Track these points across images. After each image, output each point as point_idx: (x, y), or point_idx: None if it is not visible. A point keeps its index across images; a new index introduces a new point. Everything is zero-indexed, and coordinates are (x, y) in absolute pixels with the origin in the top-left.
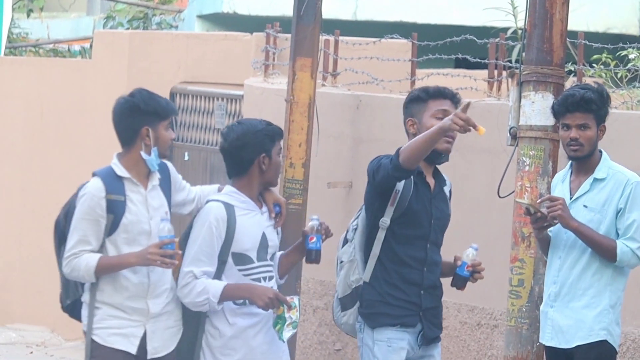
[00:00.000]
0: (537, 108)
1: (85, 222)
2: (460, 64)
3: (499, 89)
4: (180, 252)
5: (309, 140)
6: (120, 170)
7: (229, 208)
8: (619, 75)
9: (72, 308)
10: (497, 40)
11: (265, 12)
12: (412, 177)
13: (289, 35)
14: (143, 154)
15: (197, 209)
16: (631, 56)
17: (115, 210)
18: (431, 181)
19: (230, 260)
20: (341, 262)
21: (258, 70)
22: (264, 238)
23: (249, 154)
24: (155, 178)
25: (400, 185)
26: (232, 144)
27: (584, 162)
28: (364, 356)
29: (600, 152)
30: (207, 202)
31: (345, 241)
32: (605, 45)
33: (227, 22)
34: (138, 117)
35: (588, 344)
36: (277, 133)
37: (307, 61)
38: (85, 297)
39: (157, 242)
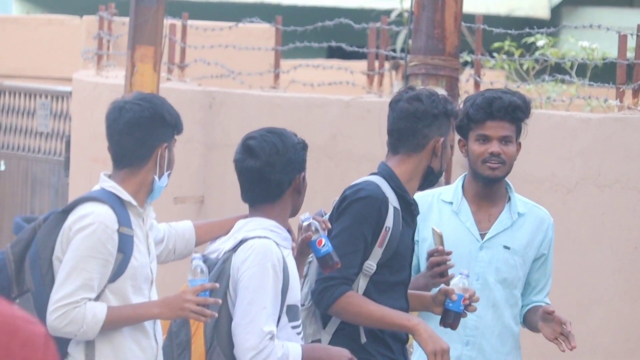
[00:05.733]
0: None
1: (92, 261)
2: (334, 53)
3: (380, 83)
4: (220, 300)
5: None
6: (126, 196)
7: (279, 248)
8: (524, 67)
9: None
10: (378, 24)
11: None
12: (400, 210)
13: (126, 19)
14: (156, 178)
15: (168, 253)
16: (539, 43)
17: (124, 248)
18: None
19: (284, 316)
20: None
21: (89, 62)
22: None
23: (288, 174)
24: (151, 210)
25: (389, 220)
26: (267, 161)
27: (497, 188)
28: None
29: None
30: (248, 239)
31: None
32: (509, 31)
33: (52, 3)
34: (159, 130)
35: None
36: (307, 144)
37: (149, 50)
38: None
39: (195, 287)
